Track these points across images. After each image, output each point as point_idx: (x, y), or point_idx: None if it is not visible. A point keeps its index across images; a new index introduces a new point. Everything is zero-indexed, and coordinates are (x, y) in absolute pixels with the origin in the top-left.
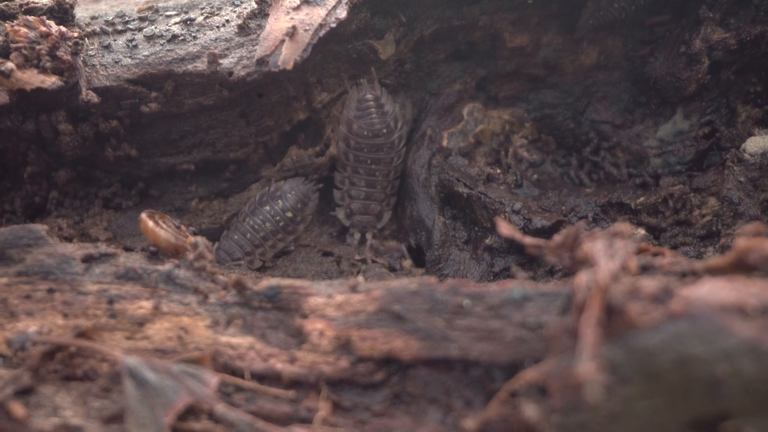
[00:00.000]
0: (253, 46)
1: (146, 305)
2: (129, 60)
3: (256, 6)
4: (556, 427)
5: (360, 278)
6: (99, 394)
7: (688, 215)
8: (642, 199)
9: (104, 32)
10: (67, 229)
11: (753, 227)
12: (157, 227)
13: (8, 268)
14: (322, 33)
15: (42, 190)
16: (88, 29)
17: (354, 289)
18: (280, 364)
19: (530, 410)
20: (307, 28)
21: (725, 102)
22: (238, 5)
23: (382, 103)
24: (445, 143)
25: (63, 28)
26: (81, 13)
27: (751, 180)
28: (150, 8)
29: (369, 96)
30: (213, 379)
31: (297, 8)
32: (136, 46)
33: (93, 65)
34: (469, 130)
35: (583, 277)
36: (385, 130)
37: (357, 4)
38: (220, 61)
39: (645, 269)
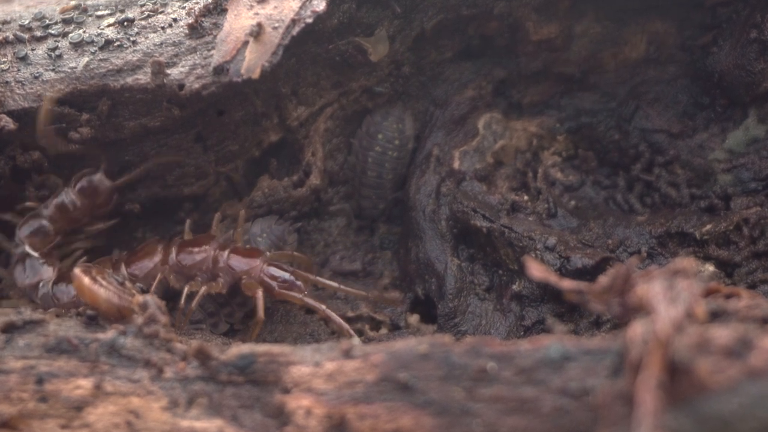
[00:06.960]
0: (209, 50)
1: (85, 384)
2: (52, 74)
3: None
4: None
5: (355, 340)
6: None
7: None
8: (709, 226)
9: (19, 40)
10: None
11: None
12: (95, 285)
13: None
14: (295, 31)
15: None
16: None
17: (348, 355)
18: None
19: None
20: (277, 25)
21: None
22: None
23: None
24: (456, 165)
25: None
26: None
27: None
28: (76, 7)
29: None
30: None
31: (263, 0)
32: (60, 56)
33: (6, 82)
34: (487, 147)
35: (638, 329)
36: None
37: None
38: (168, 72)
39: (716, 315)
